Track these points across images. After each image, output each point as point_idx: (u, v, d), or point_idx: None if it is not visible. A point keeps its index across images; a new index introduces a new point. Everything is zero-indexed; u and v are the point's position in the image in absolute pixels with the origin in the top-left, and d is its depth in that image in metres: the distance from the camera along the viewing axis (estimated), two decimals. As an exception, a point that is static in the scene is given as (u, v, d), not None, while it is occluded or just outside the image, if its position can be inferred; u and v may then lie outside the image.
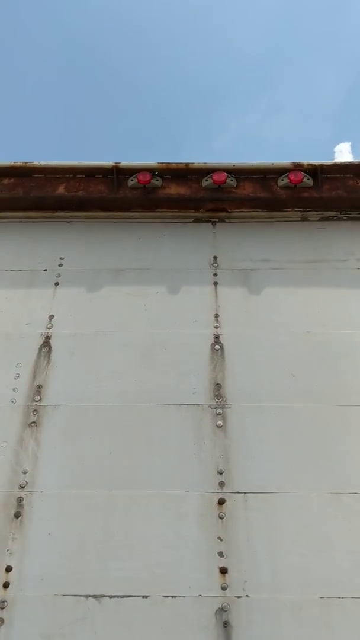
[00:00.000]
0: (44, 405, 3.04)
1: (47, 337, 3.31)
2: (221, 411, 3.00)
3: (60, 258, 3.66)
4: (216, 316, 3.36)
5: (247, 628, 2.43)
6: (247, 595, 2.50)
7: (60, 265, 3.63)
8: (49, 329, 3.34)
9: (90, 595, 2.51)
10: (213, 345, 3.24)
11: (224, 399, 3.04)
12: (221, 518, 2.69)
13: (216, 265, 3.60)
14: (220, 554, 2.59)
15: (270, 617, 2.45)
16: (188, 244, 3.72)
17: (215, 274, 3.55)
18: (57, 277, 3.57)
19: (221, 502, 2.72)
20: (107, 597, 2.50)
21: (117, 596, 2.50)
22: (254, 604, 2.48)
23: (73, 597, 2.50)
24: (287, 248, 3.67)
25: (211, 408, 3.01)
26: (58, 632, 2.43)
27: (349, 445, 2.88)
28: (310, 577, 2.53)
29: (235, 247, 3.69)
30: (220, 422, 2.96)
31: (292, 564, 2.56)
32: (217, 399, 3.04)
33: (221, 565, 2.56)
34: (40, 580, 2.54)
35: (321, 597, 2.49)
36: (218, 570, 2.55)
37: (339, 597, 2.49)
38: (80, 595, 2.50)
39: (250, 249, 3.67)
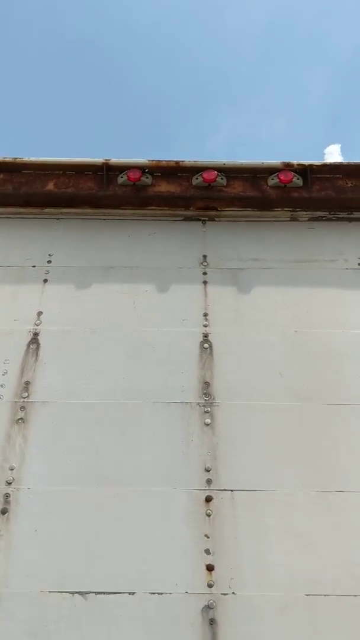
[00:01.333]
0: (32, 402, 3.03)
1: (35, 334, 3.29)
2: (209, 409, 3.00)
3: (49, 255, 3.64)
4: (205, 315, 3.37)
5: (233, 625, 2.42)
6: (233, 593, 2.50)
7: (49, 262, 3.61)
8: (37, 325, 3.33)
9: (76, 592, 2.49)
10: (202, 343, 3.24)
11: (212, 397, 3.04)
12: (208, 515, 2.69)
13: (206, 264, 3.60)
14: (207, 552, 2.59)
15: (256, 614, 2.45)
16: (178, 242, 3.72)
17: (204, 273, 3.55)
18: (45, 273, 3.55)
19: (208, 499, 2.72)
20: (93, 594, 2.49)
21: (103, 593, 2.49)
22: (240, 602, 2.48)
23: (59, 593, 2.49)
24: (277, 247, 3.68)
25: (199, 406, 3.01)
26: (43, 629, 2.41)
27: (336, 443, 2.89)
28: (296, 574, 2.54)
29: (225, 246, 3.69)
30: (208, 420, 2.96)
31: (279, 561, 2.57)
32: (206, 397, 3.04)
33: (208, 563, 2.56)
34: (26, 577, 2.53)
35: (307, 595, 2.49)
36: (205, 567, 2.55)
37: (325, 595, 2.49)
38: (66, 592, 2.49)
39: (240, 248, 3.67)
